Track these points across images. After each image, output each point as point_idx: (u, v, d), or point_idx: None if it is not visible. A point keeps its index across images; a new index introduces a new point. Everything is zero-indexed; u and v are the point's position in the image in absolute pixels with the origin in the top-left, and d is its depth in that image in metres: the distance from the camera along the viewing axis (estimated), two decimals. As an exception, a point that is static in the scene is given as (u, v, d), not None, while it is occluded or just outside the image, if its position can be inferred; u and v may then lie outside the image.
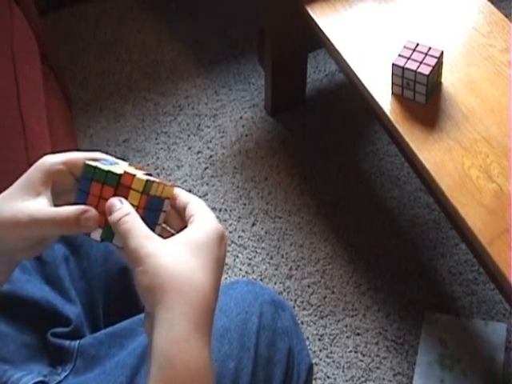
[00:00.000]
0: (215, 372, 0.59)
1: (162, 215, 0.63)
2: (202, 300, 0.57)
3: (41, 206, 0.60)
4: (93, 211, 0.60)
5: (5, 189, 0.63)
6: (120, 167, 0.63)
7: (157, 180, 0.62)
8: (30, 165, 0.63)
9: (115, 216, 0.59)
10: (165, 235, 0.63)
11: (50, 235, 0.64)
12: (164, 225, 0.65)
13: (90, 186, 0.60)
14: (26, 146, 1.12)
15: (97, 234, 0.61)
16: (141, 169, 0.65)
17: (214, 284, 0.58)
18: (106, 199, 0.60)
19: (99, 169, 0.60)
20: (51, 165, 0.62)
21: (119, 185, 0.60)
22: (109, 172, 0.60)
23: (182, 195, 0.64)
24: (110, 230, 0.60)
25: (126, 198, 0.60)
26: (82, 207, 0.60)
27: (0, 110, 1.16)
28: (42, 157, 0.63)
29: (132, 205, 0.60)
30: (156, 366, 0.55)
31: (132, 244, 0.57)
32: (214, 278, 0.59)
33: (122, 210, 0.59)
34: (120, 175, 0.60)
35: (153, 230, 0.61)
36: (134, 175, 0.60)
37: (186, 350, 0.55)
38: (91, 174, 0.60)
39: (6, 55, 1.23)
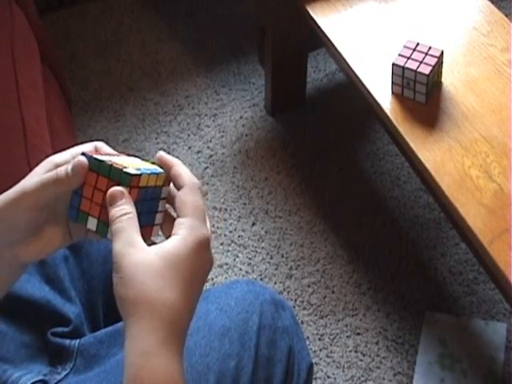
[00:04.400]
0: (216, 373, 0.59)
1: (162, 202, 0.63)
2: (172, 316, 0.57)
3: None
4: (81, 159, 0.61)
5: (5, 188, 0.63)
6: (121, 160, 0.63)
7: (147, 172, 0.62)
8: (30, 164, 0.64)
9: (113, 213, 0.59)
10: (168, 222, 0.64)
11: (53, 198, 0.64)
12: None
13: (86, 175, 0.61)
14: (26, 146, 1.12)
15: (93, 224, 0.61)
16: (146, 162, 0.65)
17: (187, 299, 0.58)
18: (101, 190, 0.60)
19: (95, 158, 0.61)
20: (59, 162, 0.63)
21: (110, 177, 0.60)
22: (102, 162, 0.60)
23: (176, 181, 0.63)
24: (104, 224, 0.61)
25: None
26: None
27: (0, 109, 1.16)
28: (44, 158, 0.64)
29: None
30: (126, 378, 0.56)
31: (116, 246, 0.58)
32: (188, 293, 0.58)
33: (122, 208, 0.59)
34: (111, 165, 0.60)
35: (153, 219, 0.62)
36: (122, 169, 0.60)
37: (154, 362, 0.55)
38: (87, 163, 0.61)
39: (6, 55, 1.23)
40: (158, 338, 0.56)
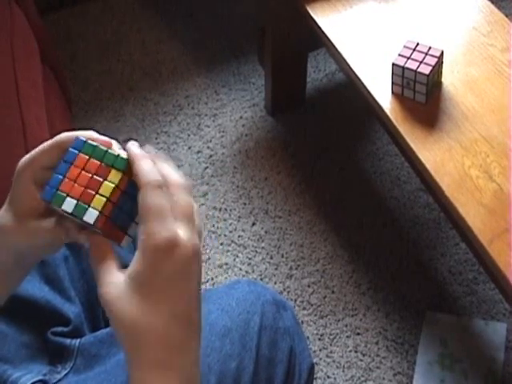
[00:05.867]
0: (217, 374, 0.58)
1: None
2: (153, 339, 0.55)
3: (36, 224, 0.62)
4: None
5: (4, 188, 0.63)
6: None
7: None
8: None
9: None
10: None
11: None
12: None
13: (75, 158, 0.60)
14: (26, 146, 1.12)
15: (70, 206, 0.59)
16: None
17: (163, 316, 0.55)
18: (88, 172, 0.59)
19: (89, 143, 0.60)
20: (22, 171, 0.62)
21: (103, 161, 0.60)
22: (96, 146, 0.60)
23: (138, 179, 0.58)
24: (84, 205, 0.58)
25: (107, 177, 0.59)
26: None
27: (0, 109, 1.16)
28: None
29: (112, 182, 0.58)
30: None
31: (95, 271, 0.57)
32: (161, 310, 0.55)
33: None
34: (107, 150, 0.60)
35: (127, 225, 0.60)
36: (118, 154, 0.59)
37: None
38: (80, 147, 0.60)
39: (6, 55, 1.23)
40: (143, 366, 0.55)
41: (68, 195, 0.59)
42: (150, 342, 0.55)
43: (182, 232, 0.55)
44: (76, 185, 0.59)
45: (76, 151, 0.60)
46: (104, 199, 0.58)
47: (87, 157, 0.60)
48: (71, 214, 0.59)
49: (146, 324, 0.54)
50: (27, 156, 0.62)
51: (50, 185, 0.60)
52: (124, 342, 0.56)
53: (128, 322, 0.54)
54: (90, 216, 0.58)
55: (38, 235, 0.61)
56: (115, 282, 0.56)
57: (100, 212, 0.57)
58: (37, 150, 0.62)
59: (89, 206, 0.58)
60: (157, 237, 0.54)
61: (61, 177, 0.60)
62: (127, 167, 0.59)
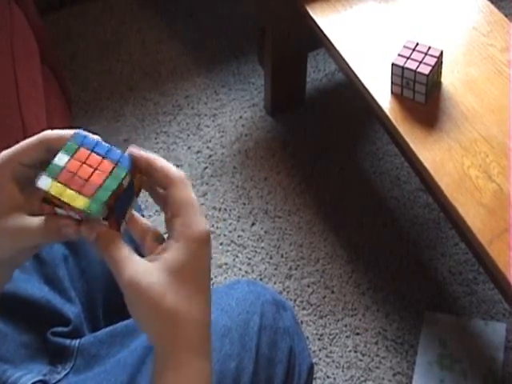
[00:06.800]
0: (217, 374, 0.59)
1: (128, 212, 0.62)
2: (192, 326, 0.56)
3: (21, 220, 0.59)
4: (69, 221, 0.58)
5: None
6: None
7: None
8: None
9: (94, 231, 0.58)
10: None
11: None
12: None
13: (76, 151, 0.60)
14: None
15: (72, 198, 0.58)
16: None
17: (200, 304, 0.57)
18: (91, 166, 0.59)
19: (89, 138, 0.61)
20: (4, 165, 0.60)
21: (107, 157, 0.60)
22: (99, 141, 0.60)
23: (162, 175, 0.59)
24: (86, 197, 0.58)
25: (111, 172, 0.59)
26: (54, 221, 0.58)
27: (0, 109, 1.16)
28: None
29: (117, 178, 0.59)
30: None
31: (113, 260, 0.56)
32: (199, 298, 0.57)
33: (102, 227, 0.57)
34: (110, 147, 0.60)
35: (120, 223, 0.60)
36: (122, 153, 0.60)
37: (186, 371, 0.56)
38: (81, 141, 0.60)
39: (6, 55, 1.23)
40: (186, 353, 0.56)
41: (69, 187, 0.59)
42: (189, 328, 0.56)
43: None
44: (77, 177, 0.59)
45: (76, 145, 0.60)
46: (109, 192, 0.58)
47: (88, 151, 0.60)
48: (72, 205, 0.58)
49: (186, 311, 0.56)
50: (6, 152, 0.60)
51: (47, 174, 0.59)
52: (158, 329, 0.56)
53: (168, 309, 0.55)
54: (94, 207, 0.58)
55: (22, 236, 0.59)
56: (144, 268, 0.56)
57: (104, 203, 0.58)
58: (18, 146, 0.60)
59: (92, 198, 0.58)
60: (198, 228, 0.57)
61: (59, 168, 0.59)
62: (131, 165, 0.60)
